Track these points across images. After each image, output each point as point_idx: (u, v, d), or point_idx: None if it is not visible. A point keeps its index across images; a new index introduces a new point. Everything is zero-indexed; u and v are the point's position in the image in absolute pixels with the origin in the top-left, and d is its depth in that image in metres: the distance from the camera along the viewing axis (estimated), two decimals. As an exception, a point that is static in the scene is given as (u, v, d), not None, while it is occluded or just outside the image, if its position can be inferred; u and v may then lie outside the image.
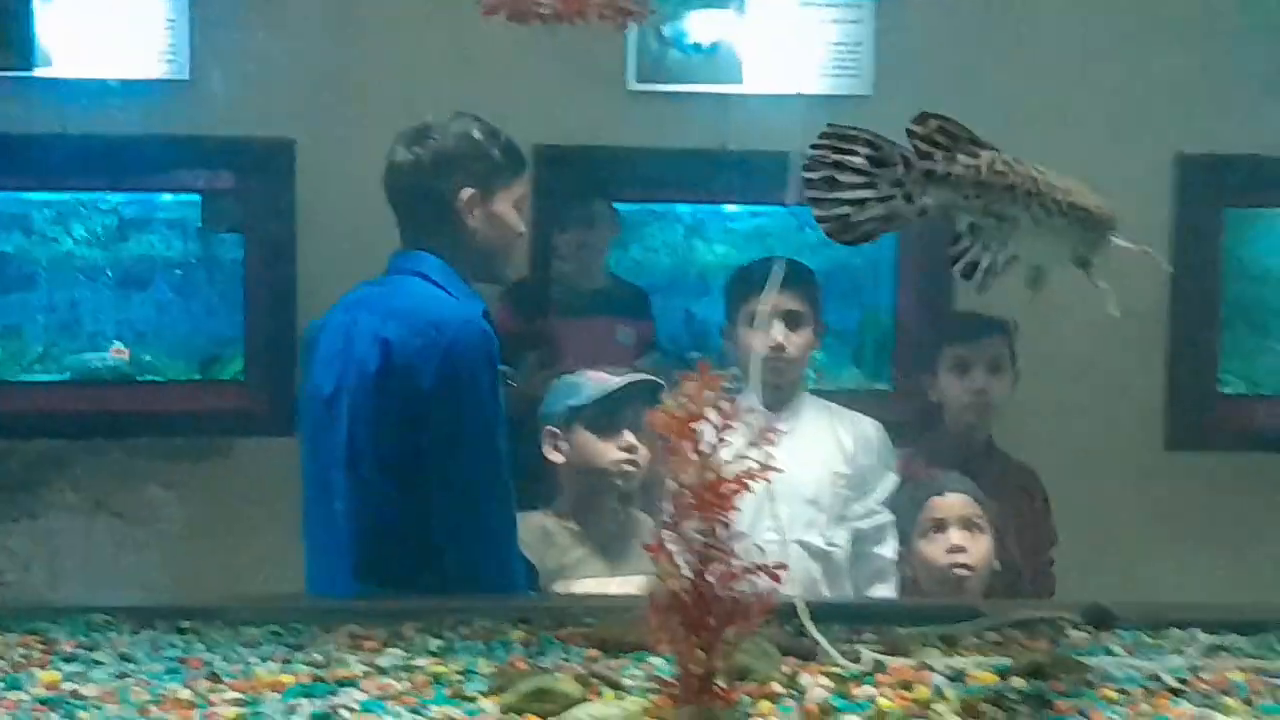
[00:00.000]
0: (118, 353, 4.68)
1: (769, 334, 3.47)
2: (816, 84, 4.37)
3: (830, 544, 3.48)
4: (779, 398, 3.55)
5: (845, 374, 5.01)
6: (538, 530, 3.24)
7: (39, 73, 4.08)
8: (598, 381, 3.32)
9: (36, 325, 4.67)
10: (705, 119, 4.31)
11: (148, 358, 4.67)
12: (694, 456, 1.77)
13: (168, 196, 4.62)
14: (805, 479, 3.47)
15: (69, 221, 4.65)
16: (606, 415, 3.25)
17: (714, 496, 1.77)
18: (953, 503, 3.23)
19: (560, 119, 4.24)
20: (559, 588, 3.12)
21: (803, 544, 3.45)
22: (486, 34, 2.34)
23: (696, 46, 4.42)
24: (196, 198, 4.47)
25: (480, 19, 2.33)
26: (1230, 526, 4.32)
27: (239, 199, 4.36)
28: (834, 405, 3.70)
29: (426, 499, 2.75)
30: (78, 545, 4.29)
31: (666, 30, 4.42)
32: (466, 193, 2.92)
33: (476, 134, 2.96)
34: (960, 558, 3.15)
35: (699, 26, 4.42)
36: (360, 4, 4.21)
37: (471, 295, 2.91)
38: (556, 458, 3.30)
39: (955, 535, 3.17)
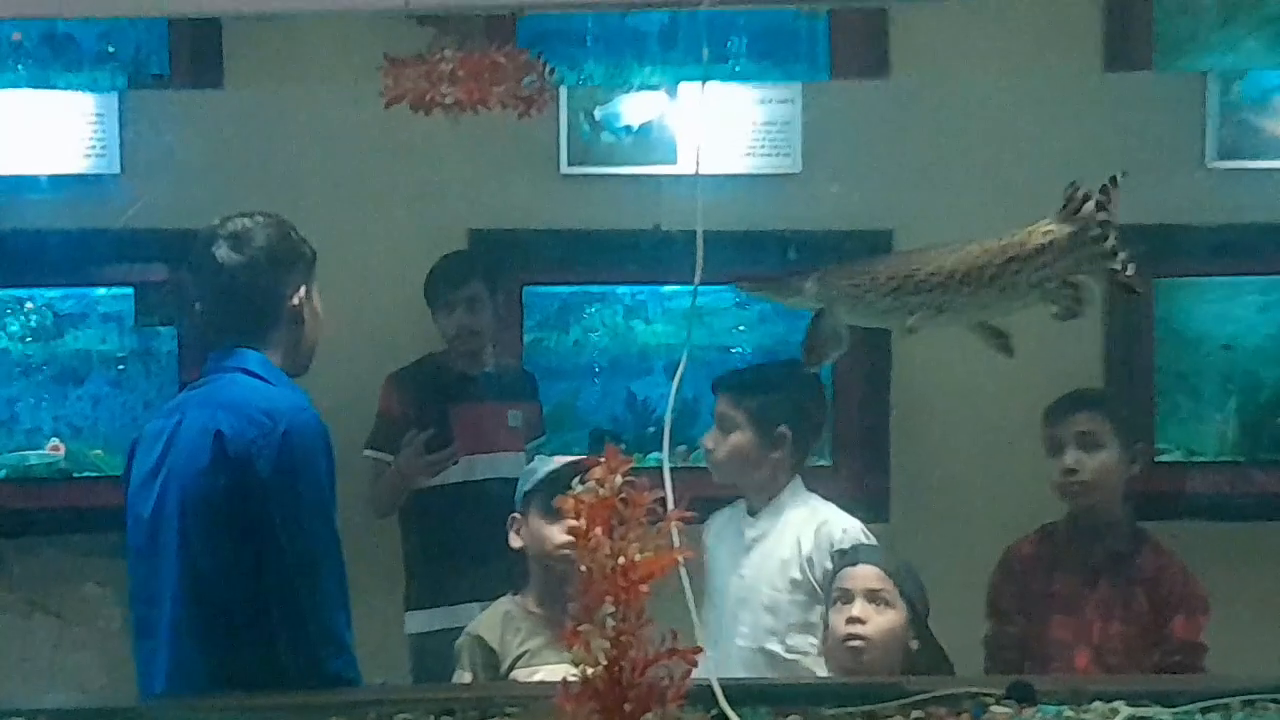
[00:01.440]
0: (54, 449, 4.65)
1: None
2: (747, 164, 4.42)
3: (792, 651, 3.47)
4: (759, 499, 3.57)
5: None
6: (500, 615, 3.22)
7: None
8: (551, 464, 3.31)
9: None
10: (638, 200, 4.35)
11: (90, 452, 4.65)
12: (605, 542, 1.78)
13: (102, 291, 4.61)
14: (761, 586, 3.47)
15: (3, 318, 4.63)
16: (554, 498, 3.23)
17: (626, 582, 1.77)
18: (859, 574, 3.21)
19: (494, 203, 4.27)
20: (520, 675, 3.09)
21: (765, 651, 3.44)
22: (417, 119, 2.36)
23: (628, 129, 4.47)
24: (129, 291, 4.47)
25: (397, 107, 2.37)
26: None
27: (172, 291, 4.36)
28: (816, 502, 3.61)
29: (267, 588, 2.73)
30: (13, 645, 4.23)
31: (598, 114, 4.46)
32: (300, 290, 2.93)
33: (293, 233, 2.96)
34: (856, 629, 3.12)
35: (631, 109, 4.47)
36: (290, 94, 4.23)
37: (294, 386, 2.91)
38: (515, 542, 3.28)
39: (857, 607, 3.15)
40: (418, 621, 4.10)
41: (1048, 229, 2.29)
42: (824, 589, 3.31)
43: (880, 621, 3.12)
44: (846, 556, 3.25)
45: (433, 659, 4.00)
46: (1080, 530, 3.62)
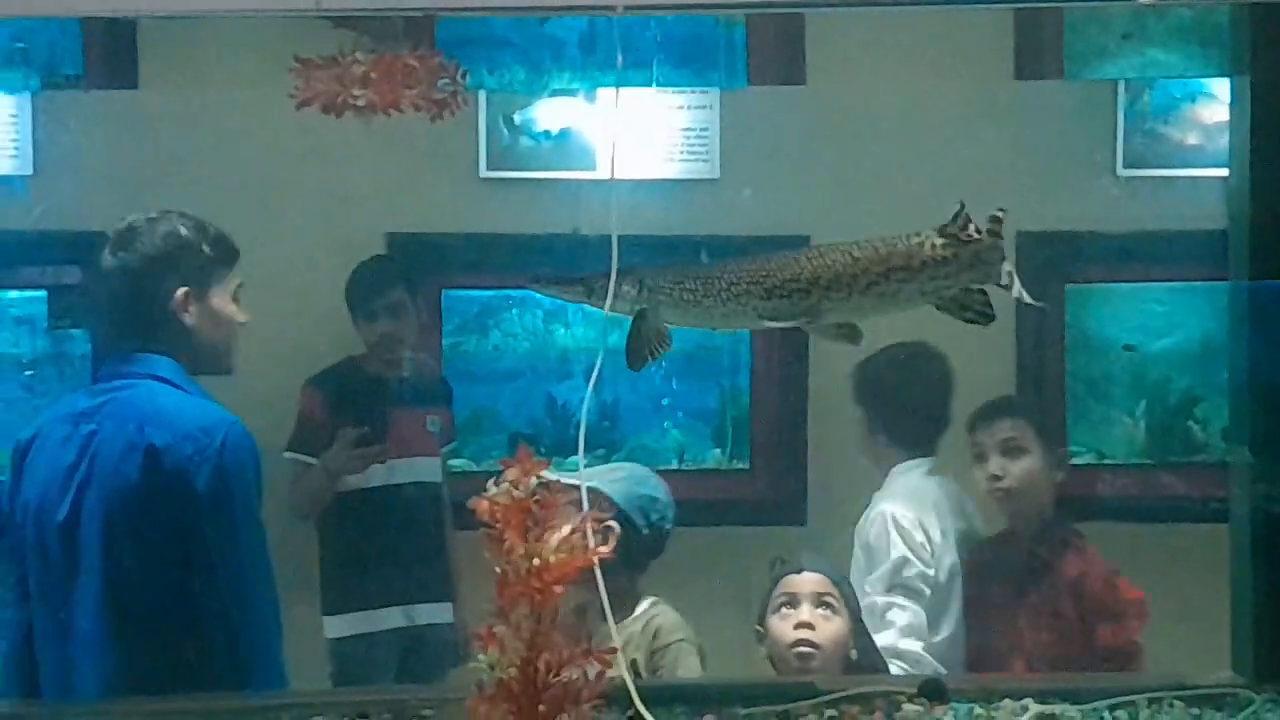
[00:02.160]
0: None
1: None
2: (666, 169, 4.44)
3: None
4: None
5: (707, 455, 5.05)
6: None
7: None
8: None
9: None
10: (557, 205, 4.36)
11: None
12: (519, 543, 1.78)
13: (14, 294, 4.55)
14: None
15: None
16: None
17: (541, 583, 1.78)
18: (806, 580, 3.23)
19: (411, 207, 4.26)
20: None
21: None
22: (335, 122, 2.35)
23: (547, 134, 4.48)
24: (43, 294, 4.42)
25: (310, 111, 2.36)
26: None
27: (84, 294, 4.31)
28: None
29: (200, 600, 2.72)
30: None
31: (518, 118, 4.47)
32: (180, 292, 2.91)
33: (184, 231, 2.93)
34: (806, 634, 3.14)
35: (550, 114, 4.48)
36: (206, 95, 4.20)
37: (207, 396, 2.90)
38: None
39: (805, 612, 3.17)
40: (337, 626, 4.08)
41: (935, 243, 2.31)
42: (761, 595, 3.32)
43: (828, 628, 3.14)
44: (789, 564, 3.27)
45: (353, 663, 3.99)
46: (1008, 537, 3.67)
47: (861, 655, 3.19)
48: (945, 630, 3.65)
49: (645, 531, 3.37)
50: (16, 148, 4.16)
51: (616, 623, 3.36)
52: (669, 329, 2.42)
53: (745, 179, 4.30)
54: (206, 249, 2.92)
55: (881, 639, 3.42)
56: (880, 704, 2.29)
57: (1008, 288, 2.31)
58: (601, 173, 4.42)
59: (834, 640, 3.14)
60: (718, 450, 5.03)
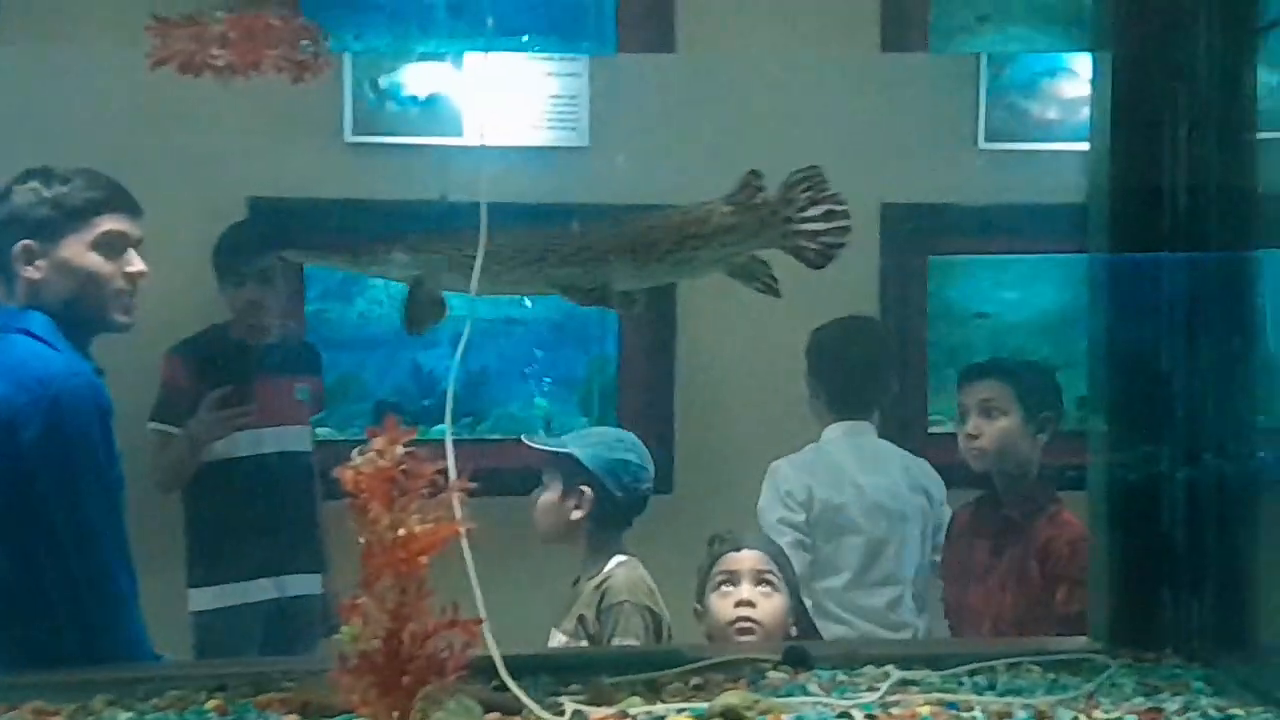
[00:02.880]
0: None
1: None
2: (534, 136, 4.41)
3: None
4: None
5: (574, 421, 5.05)
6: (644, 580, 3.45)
7: None
8: None
9: None
10: (424, 170, 4.31)
11: None
12: (384, 513, 1.76)
13: None
14: None
15: None
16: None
17: (406, 553, 1.76)
18: (745, 558, 3.24)
19: (274, 171, 4.18)
20: None
21: None
22: (197, 83, 2.29)
23: (414, 99, 4.42)
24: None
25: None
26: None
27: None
28: None
29: (38, 557, 2.65)
30: None
31: (383, 82, 4.40)
32: (20, 246, 2.84)
33: (33, 183, 2.86)
34: (746, 611, 3.16)
35: (416, 79, 4.42)
36: (66, 53, 4.08)
37: (73, 350, 2.82)
38: None
39: (745, 590, 3.18)
40: (203, 598, 4.01)
41: (723, 210, 2.35)
42: (700, 573, 3.35)
43: (768, 606, 3.17)
44: (728, 541, 3.30)
45: (219, 635, 3.93)
46: (987, 500, 3.76)
47: (801, 632, 3.22)
48: (835, 580, 3.80)
49: (619, 494, 3.52)
50: None
51: (590, 579, 3.47)
52: (444, 295, 2.41)
53: (616, 146, 4.29)
54: (54, 200, 2.84)
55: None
56: (746, 671, 2.30)
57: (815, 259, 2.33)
58: (470, 139, 4.38)
59: (774, 617, 3.17)
60: (585, 419, 5.03)
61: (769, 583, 3.20)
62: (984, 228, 4.55)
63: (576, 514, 3.52)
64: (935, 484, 3.98)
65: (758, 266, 2.39)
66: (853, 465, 3.90)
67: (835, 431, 3.94)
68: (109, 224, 2.87)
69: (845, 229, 2.34)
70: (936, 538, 3.93)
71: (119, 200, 2.91)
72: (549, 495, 3.56)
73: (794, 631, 3.21)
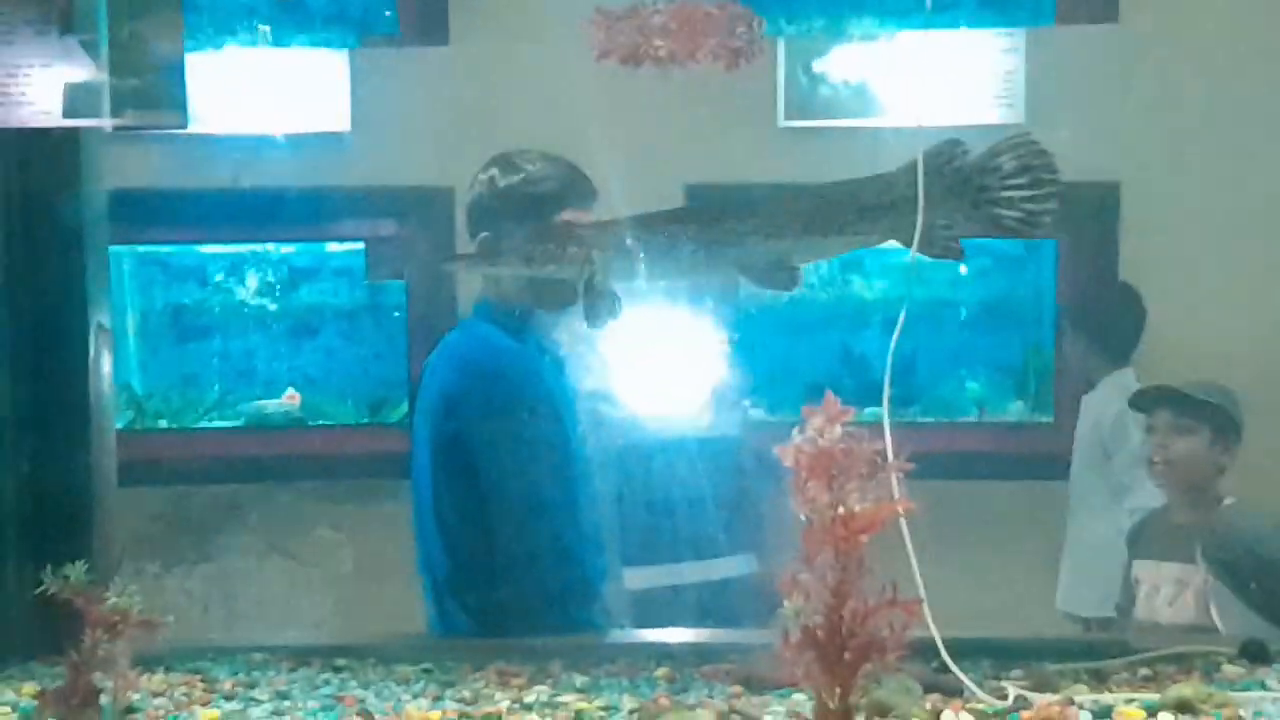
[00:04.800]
0: (290, 399, 4.84)
1: None
2: (971, 115, 4.34)
3: None
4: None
5: (1009, 406, 4.96)
6: None
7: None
8: None
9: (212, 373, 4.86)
10: (858, 153, 4.31)
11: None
12: (824, 492, 1.78)
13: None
14: None
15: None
16: None
17: (846, 532, 1.77)
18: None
19: (712, 158, 4.27)
20: None
21: None
22: (640, 74, 2.37)
23: (846, 82, 4.43)
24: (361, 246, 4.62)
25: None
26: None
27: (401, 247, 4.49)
28: None
29: (503, 535, 2.75)
30: (251, 586, 4.42)
31: (816, 66, 4.44)
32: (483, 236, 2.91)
33: (493, 172, 2.94)
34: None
35: (848, 62, 4.43)
36: (511, 52, 4.28)
37: (538, 336, 2.90)
38: None
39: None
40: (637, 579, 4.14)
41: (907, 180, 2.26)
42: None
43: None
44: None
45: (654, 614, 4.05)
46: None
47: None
48: None
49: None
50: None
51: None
52: (615, 291, 2.38)
53: (1054, 122, 4.18)
54: (514, 190, 2.92)
55: None
56: (1197, 665, 2.21)
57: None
58: (903, 120, 4.35)
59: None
60: (1019, 403, 4.93)
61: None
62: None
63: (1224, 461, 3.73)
64: None
65: (939, 233, 2.26)
66: None
67: None
68: (570, 213, 2.92)
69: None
70: None
71: (580, 188, 2.97)
72: (1196, 441, 3.70)
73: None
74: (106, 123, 2.47)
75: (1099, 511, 4.30)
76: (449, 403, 2.78)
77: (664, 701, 2.07)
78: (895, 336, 2.26)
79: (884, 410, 2.19)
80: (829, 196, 2.32)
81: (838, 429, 1.78)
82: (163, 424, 4.78)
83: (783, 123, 4.40)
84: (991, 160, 2.25)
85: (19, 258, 2.56)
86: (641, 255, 2.37)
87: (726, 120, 4.24)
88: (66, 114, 2.42)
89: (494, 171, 2.91)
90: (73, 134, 2.55)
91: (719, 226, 2.35)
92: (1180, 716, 1.89)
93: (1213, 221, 4.48)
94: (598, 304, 2.38)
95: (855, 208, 2.30)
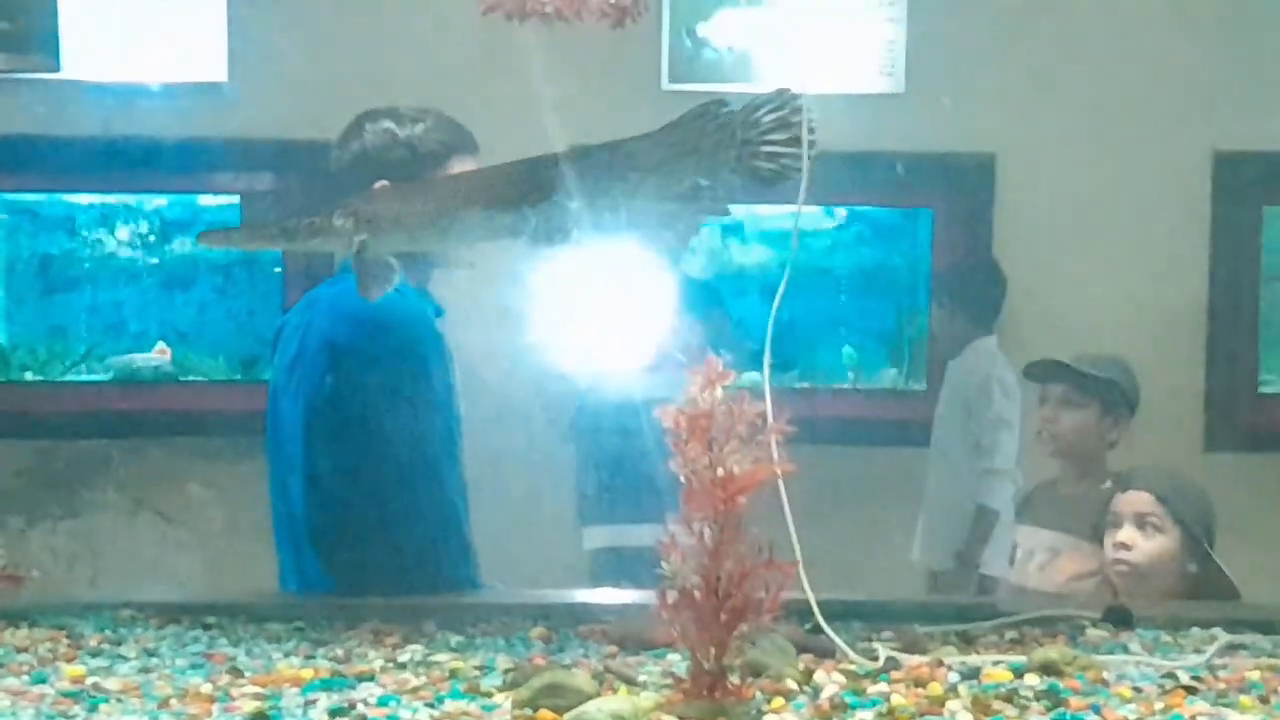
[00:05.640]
0: (160, 353, 4.75)
1: None
2: (852, 83, 4.37)
3: None
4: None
5: (882, 371, 5.02)
6: None
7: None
8: None
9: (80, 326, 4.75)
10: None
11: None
12: (703, 454, 1.79)
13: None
14: None
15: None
16: None
17: (724, 493, 1.78)
18: (1131, 499, 3.21)
19: (592, 118, 4.24)
20: None
21: None
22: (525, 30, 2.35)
23: (730, 47, 4.43)
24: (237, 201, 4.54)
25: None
26: (1272, 527, 4.28)
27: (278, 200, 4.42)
28: None
29: (379, 491, 2.73)
30: (119, 543, 4.34)
31: (700, 30, 4.43)
32: (376, 186, 2.83)
33: (386, 124, 2.83)
34: (1121, 554, 3.15)
35: (732, 26, 4.43)
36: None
37: (419, 291, 2.85)
38: None
39: (1125, 532, 3.16)
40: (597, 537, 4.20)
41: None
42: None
43: (1146, 548, 3.15)
44: (1121, 480, 3.31)
45: (611, 574, 4.05)
46: None
47: (1203, 574, 3.15)
48: None
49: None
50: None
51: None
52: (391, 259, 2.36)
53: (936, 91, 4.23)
54: (403, 143, 2.86)
55: None
56: (1062, 629, 2.26)
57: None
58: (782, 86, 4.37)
59: (1153, 560, 3.14)
60: (893, 369, 5.00)
61: (1152, 525, 3.16)
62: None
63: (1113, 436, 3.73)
64: None
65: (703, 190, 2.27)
66: None
67: None
68: (458, 166, 2.84)
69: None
70: None
71: (467, 143, 2.90)
72: (1086, 415, 3.71)
73: (1192, 569, 3.15)
74: (-25, 65, 2.40)
75: (955, 471, 4.40)
76: (335, 353, 2.74)
77: (539, 661, 2.07)
78: (776, 302, 2.26)
79: (764, 374, 2.19)
80: (596, 158, 2.30)
81: (718, 391, 1.79)
82: (29, 376, 4.67)
83: (666, 85, 4.39)
84: (751, 115, 2.22)
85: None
86: (415, 224, 2.34)
87: (611, 81, 4.22)
88: (-65, 57, 2.35)
89: (387, 123, 2.86)
90: (-61, 77, 2.48)
91: (492, 192, 2.33)
92: (1046, 678, 1.93)
93: (1086, 195, 4.57)
94: (366, 275, 2.34)
95: (629, 168, 2.28)
